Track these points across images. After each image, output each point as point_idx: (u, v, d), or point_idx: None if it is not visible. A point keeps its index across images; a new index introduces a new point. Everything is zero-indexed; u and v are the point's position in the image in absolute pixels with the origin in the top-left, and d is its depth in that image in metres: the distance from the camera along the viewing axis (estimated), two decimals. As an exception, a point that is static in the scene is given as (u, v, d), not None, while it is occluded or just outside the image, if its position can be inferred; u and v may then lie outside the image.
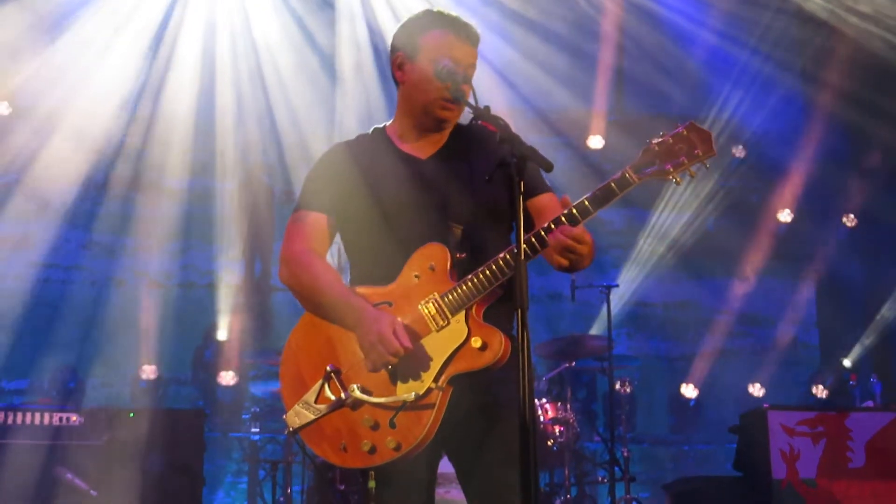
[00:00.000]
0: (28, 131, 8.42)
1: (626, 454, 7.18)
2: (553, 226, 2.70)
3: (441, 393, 2.70)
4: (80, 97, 8.34)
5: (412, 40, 2.97)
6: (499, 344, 2.70)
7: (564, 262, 2.73)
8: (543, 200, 2.97)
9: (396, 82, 3.03)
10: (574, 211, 2.70)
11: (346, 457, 2.78)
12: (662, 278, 9.89)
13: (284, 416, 2.90)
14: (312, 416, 2.82)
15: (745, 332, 10.38)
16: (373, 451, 2.73)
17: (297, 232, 3.00)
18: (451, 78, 2.83)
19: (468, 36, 2.95)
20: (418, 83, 2.93)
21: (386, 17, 8.46)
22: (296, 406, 2.85)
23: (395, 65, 3.01)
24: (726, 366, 9.92)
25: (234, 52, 8.69)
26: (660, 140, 2.70)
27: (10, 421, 5.74)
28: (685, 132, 2.69)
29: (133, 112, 8.66)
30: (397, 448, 2.70)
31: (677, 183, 2.73)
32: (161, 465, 5.82)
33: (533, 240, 2.70)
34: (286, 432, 2.85)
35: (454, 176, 2.93)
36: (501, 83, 8.82)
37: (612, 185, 2.69)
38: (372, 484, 2.77)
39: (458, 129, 3.04)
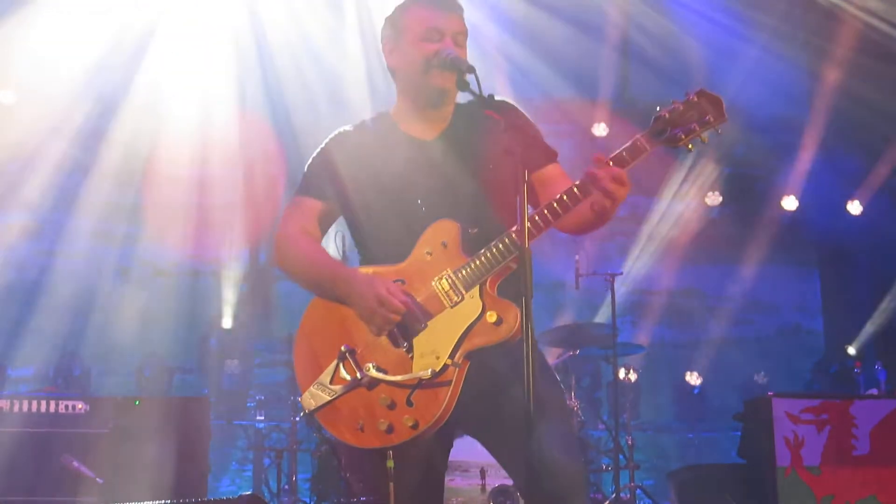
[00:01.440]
0: (33, 121, 8.41)
1: (630, 442, 7.18)
2: (576, 190, 2.70)
3: (457, 369, 2.68)
4: (85, 88, 8.33)
5: (395, 24, 2.99)
6: (514, 318, 2.66)
7: (606, 204, 2.67)
8: (548, 172, 2.95)
9: (391, 70, 3.03)
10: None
11: (363, 437, 2.76)
12: (666, 266, 9.88)
13: (300, 399, 2.89)
14: (328, 398, 2.80)
15: (749, 320, 10.38)
16: (390, 430, 2.71)
17: (290, 216, 3.02)
18: (454, 66, 2.81)
19: (447, 4, 2.94)
20: (408, 60, 2.94)
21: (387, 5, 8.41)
22: (311, 388, 2.83)
23: (386, 52, 3.02)
24: (730, 353, 9.91)
25: (239, 39, 8.65)
26: (671, 108, 2.69)
27: (15, 409, 5.75)
28: (695, 98, 2.67)
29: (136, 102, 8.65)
30: (415, 426, 2.69)
31: (689, 150, 2.71)
32: (166, 452, 5.83)
33: (546, 212, 2.69)
34: (302, 414, 2.83)
35: (461, 155, 2.92)
36: (505, 70, 8.78)
37: (624, 153, 2.70)
38: (390, 463, 2.74)
39: (461, 108, 3.03)
